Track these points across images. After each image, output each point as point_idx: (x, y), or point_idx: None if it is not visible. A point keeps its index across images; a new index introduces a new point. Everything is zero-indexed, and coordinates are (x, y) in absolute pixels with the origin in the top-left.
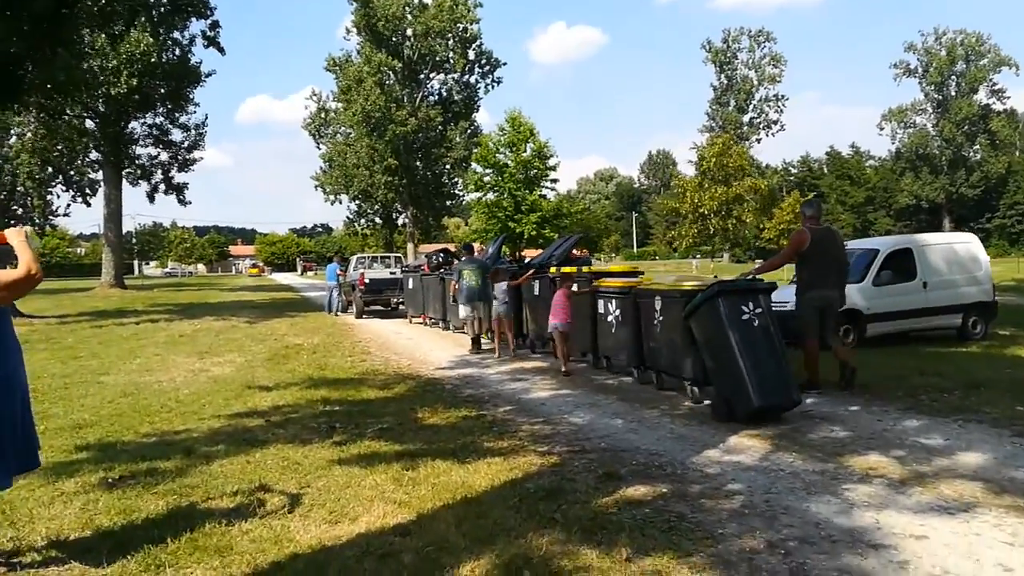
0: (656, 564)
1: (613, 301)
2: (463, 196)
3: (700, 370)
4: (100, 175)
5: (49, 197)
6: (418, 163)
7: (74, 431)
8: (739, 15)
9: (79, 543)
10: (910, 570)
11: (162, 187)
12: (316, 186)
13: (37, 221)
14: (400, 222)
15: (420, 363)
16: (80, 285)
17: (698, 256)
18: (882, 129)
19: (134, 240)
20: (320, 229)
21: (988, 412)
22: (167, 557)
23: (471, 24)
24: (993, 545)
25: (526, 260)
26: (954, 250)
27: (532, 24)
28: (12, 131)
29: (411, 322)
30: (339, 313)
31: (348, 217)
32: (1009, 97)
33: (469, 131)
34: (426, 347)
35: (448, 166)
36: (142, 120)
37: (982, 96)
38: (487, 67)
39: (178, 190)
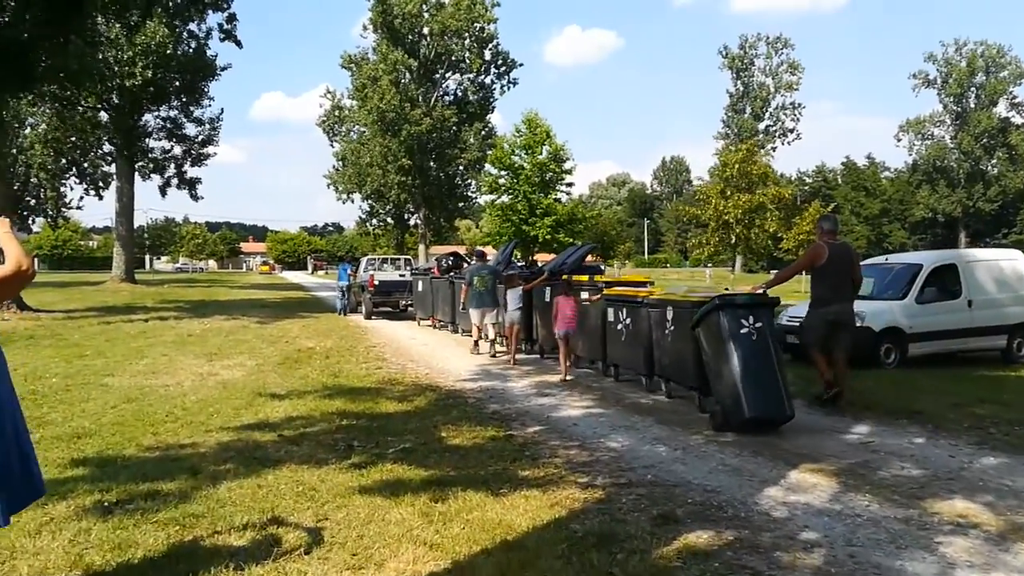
0: None
1: (624, 310)
2: (476, 198)
3: (704, 380)
4: (113, 168)
5: (62, 189)
6: (431, 163)
7: (72, 441)
8: (756, 21)
9: None
10: None
11: (175, 181)
12: (328, 184)
13: (50, 213)
14: (412, 223)
15: (439, 372)
16: (91, 279)
17: (710, 265)
18: (899, 140)
19: (146, 235)
20: (331, 228)
21: None
22: None
23: (488, 24)
24: None
25: (539, 265)
26: (1000, 267)
27: (546, 27)
28: (27, 122)
29: (420, 324)
30: (348, 313)
31: (360, 217)
32: None
33: (484, 132)
34: (443, 354)
35: (462, 167)
36: (156, 113)
37: (1001, 109)
38: (503, 68)
39: (191, 185)
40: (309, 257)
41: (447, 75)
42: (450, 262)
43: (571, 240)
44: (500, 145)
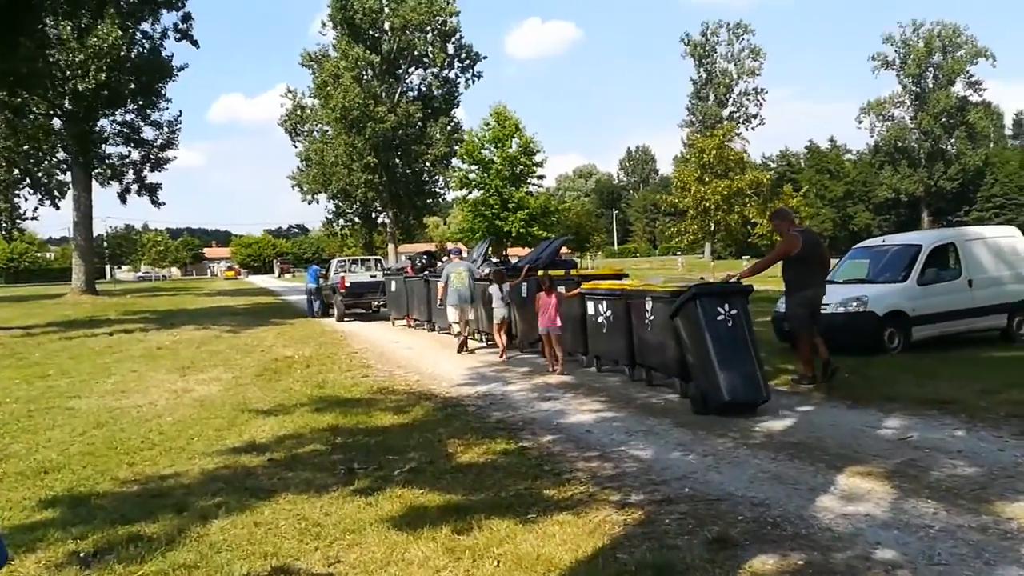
0: None
1: (604, 303)
2: (445, 194)
3: (685, 367)
4: (68, 177)
5: (16, 200)
6: (398, 160)
7: (38, 478)
8: (713, 9)
9: None
10: None
11: (134, 188)
12: (293, 185)
13: (4, 225)
14: (380, 221)
15: (430, 378)
16: (50, 291)
17: (679, 253)
18: (860, 122)
19: (105, 244)
20: (296, 230)
21: None
22: None
23: (450, 17)
24: None
25: (513, 261)
26: (999, 245)
27: (507, 19)
28: None
29: (394, 324)
30: (320, 316)
31: (326, 217)
32: (986, 89)
33: (450, 127)
34: (430, 358)
35: (429, 163)
36: (111, 117)
37: (959, 88)
38: (467, 61)
39: (151, 191)
40: (275, 260)
41: (410, 70)
42: (424, 261)
43: (545, 234)
44: (470, 139)
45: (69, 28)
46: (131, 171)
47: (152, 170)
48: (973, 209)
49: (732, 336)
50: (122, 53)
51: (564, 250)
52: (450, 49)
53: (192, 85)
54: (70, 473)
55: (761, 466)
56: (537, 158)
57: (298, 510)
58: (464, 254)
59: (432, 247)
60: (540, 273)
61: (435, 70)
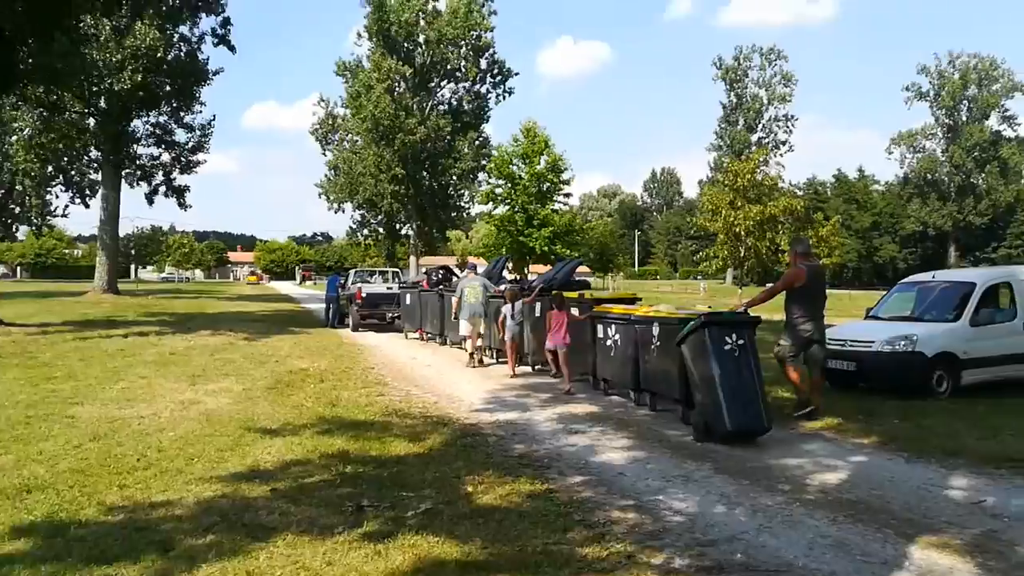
0: None
1: (613, 326)
2: (469, 208)
3: (688, 393)
4: (99, 176)
5: (48, 197)
6: (425, 173)
7: (19, 498)
8: (744, 35)
9: None
10: None
11: (163, 189)
12: (320, 193)
13: (35, 221)
14: (404, 233)
15: (448, 400)
16: (73, 289)
17: (700, 277)
18: (890, 153)
19: (131, 244)
20: (320, 238)
21: None
22: None
23: (485, 32)
24: None
25: (530, 280)
26: None
27: (539, 38)
28: (14, 127)
29: (407, 337)
30: (336, 326)
31: (351, 227)
32: (1020, 124)
33: (478, 142)
34: (448, 378)
35: (455, 177)
36: (145, 119)
37: (993, 122)
38: (499, 77)
39: (179, 193)
40: (298, 267)
41: (442, 84)
42: (439, 275)
43: (569, 252)
44: (500, 154)
45: (108, 28)
46: (160, 172)
47: (182, 172)
48: (1002, 246)
49: (738, 366)
50: (159, 55)
51: (583, 269)
52: (483, 64)
53: (228, 91)
54: (54, 494)
55: (820, 529)
56: (565, 176)
57: (298, 556)
58: (479, 270)
59: (454, 261)
60: (553, 292)
61: (467, 84)
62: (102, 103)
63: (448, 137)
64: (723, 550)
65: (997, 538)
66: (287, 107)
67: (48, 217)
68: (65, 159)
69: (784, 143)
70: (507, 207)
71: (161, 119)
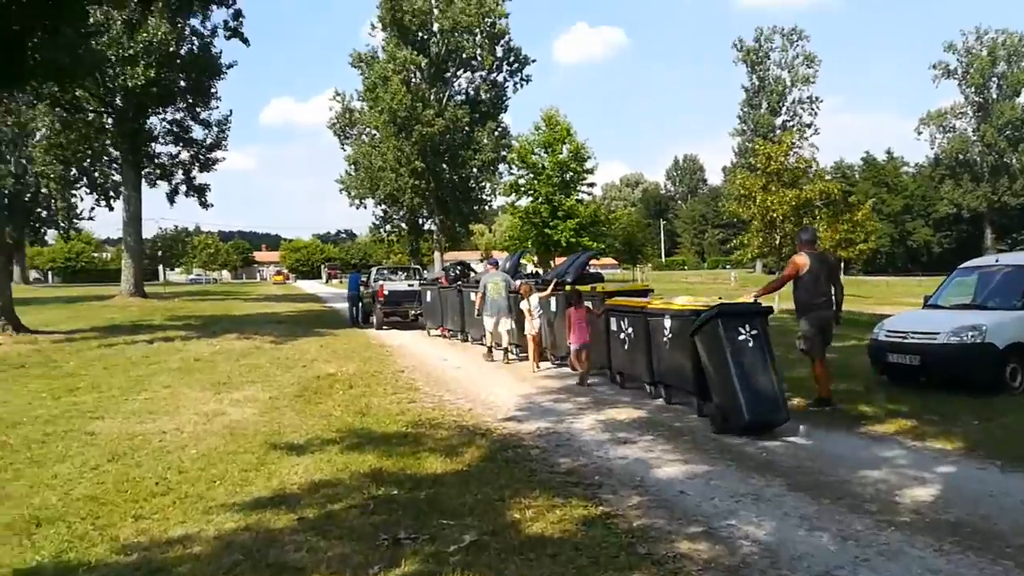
0: None
1: (626, 319)
2: (491, 201)
3: (703, 385)
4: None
5: (73, 200)
6: (445, 166)
7: (27, 533)
8: (762, 16)
9: None
10: None
11: (183, 188)
12: (341, 189)
13: (62, 224)
14: (427, 228)
15: (483, 406)
16: (101, 292)
17: (729, 266)
18: (920, 134)
19: (159, 245)
20: (344, 235)
21: None
22: None
23: (499, 19)
24: None
25: (542, 274)
26: None
27: (555, 24)
28: (32, 126)
29: (429, 334)
30: (362, 324)
31: (373, 223)
32: None
33: (497, 132)
34: (482, 382)
35: (476, 169)
36: (161, 116)
37: None
38: (516, 64)
39: (199, 191)
40: (324, 266)
41: (458, 73)
42: (458, 271)
43: (595, 244)
44: (522, 143)
45: (119, 24)
46: (180, 171)
47: (201, 170)
48: None
49: (753, 356)
50: (171, 49)
51: (609, 261)
52: (499, 52)
53: (244, 88)
54: (65, 528)
55: (926, 562)
56: (588, 164)
57: None
58: (500, 265)
59: (478, 255)
60: (568, 288)
61: (483, 73)
62: (118, 101)
63: (467, 128)
64: None
65: None
66: (304, 103)
67: (74, 220)
68: (88, 160)
69: (809, 126)
70: (531, 198)
71: (178, 116)
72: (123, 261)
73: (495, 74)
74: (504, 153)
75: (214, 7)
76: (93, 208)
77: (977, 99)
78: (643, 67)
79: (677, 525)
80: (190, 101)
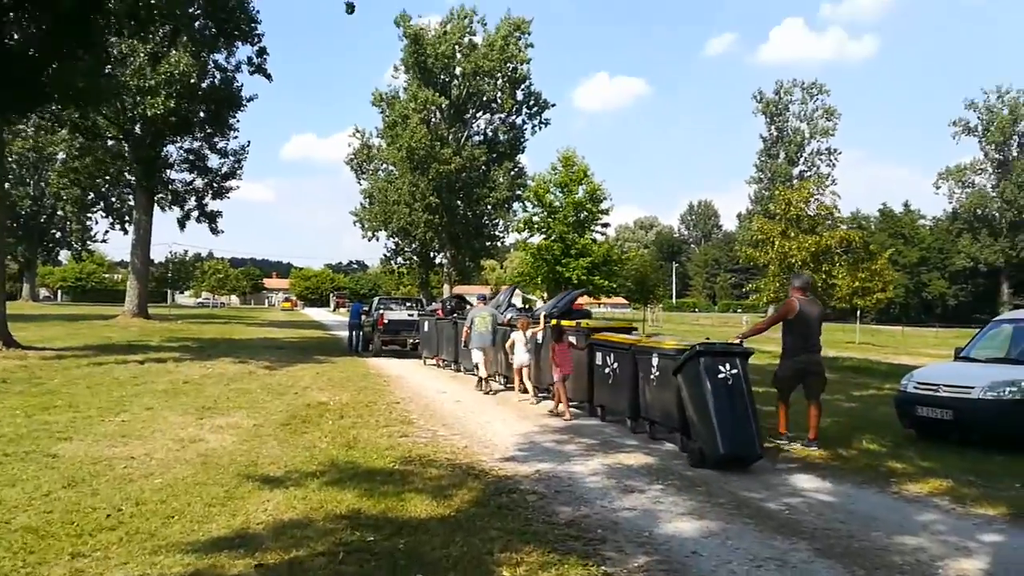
0: None
1: (612, 355)
2: (504, 238)
3: (686, 421)
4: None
5: (88, 223)
6: (459, 202)
7: None
8: (783, 71)
9: None
10: None
11: (195, 214)
12: (355, 221)
13: (75, 246)
14: (438, 261)
15: (479, 444)
16: (106, 312)
17: (740, 310)
18: (938, 188)
19: (170, 268)
20: (355, 265)
21: None
22: None
23: (521, 64)
24: None
25: (535, 310)
26: None
27: (576, 73)
28: (48, 151)
29: (425, 363)
30: (359, 349)
31: (385, 254)
32: None
33: (513, 172)
34: (479, 417)
35: (490, 207)
36: (179, 144)
37: None
38: (535, 108)
39: (211, 218)
40: (332, 294)
41: (478, 115)
42: (453, 304)
43: (607, 283)
44: (538, 182)
45: (143, 56)
46: (193, 198)
47: (214, 198)
48: None
49: (731, 393)
50: (192, 81)
51: (619, 300)
52: (519, 95)
53: (268, 123)
54: None
55: None
56: (603, 205)
57: None
58: (490, 300)
59: (488, 290)
60: (553, 322)
61: (502, 115)
62: (136, 129)
63: (483, 167)
64: None
65: None
66: (324, 139)
67: (88, 242)
68: (106, 186)
69: (827, 176)
70: (544, 236)
71: (195, 145)
72: (128, 282)
73: (514, 116)
74: (519, 192)
75: (239, 44)
76: (107, 231)
77: (997, 156)
78: (662, 116)
79: None
80: (208, 131)
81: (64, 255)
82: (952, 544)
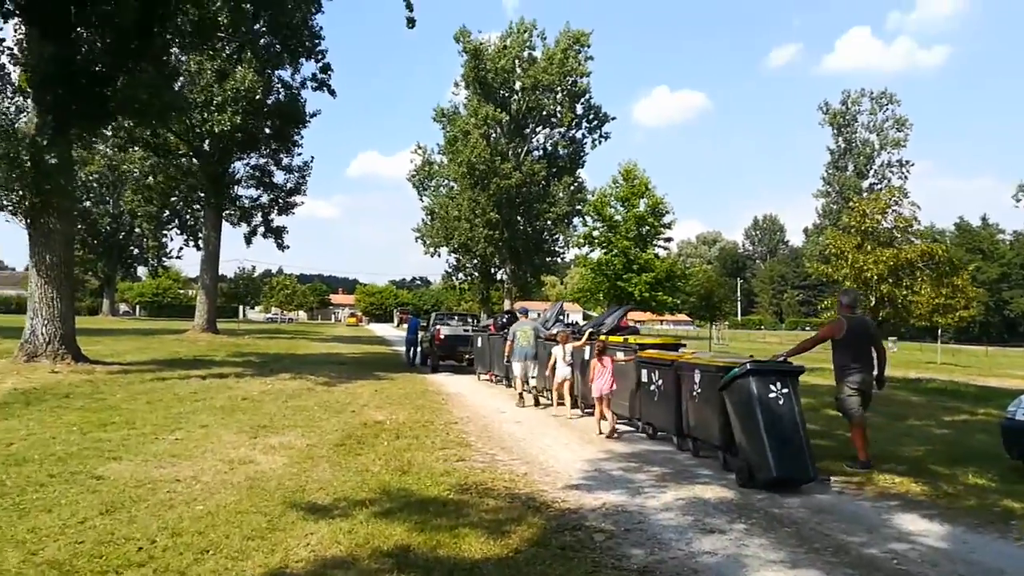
0: None
1: (657, 371)
2: (564, 253)
3: (730, 439)
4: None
5: (164, 240)
6: (519, 218)
7: None
8: (849, 81)
9: None
10: None
11: (261, 230)
12: (417, 238)
13: (151, 262)
14: (498, 277)
15: (540, 471)
16: (177, 327)
17: (808, 327)
18: (1018, 201)
19: (240, 284)
20: (418, 281)
21: None
22: None
23: (581, 77)
24: None
25: (577, 325)
26: None
27: (635, 88)
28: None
29: (479, 379)
30: (416, 363)
31: (446, 271)
32: None
33: (573, 187)
34: (541, 440)
35: (550, 222)
36: (245, 161)
37: None
38: (595, 121)
39: (277, 233)
40: (396, 310)
41: (537, 129)
42: (504, 319)
43: (670, 299)
44: (599, 196)
45: (210, 73)
46: (259, 213)
47: (280, 213)
48: None
49: (782, 414)
50: (257, 97)
51: (682, 317)
52: (579, 109)
53: (334, 141)
54: None
55: None
56: (666, 219)
57: None
58: (531, 315)
59: (547, 306)
60: (601, 338)
61: (562, 130)
62: (205, 146)
63: (543, 182)
64: None
65: None
66: (388, 157)
67: (163, 258)
68: (180, 204)
69: (899, 189)
70: (604, 251)
71: (260, 161)
72: (198, 297)
73: (574, 131)
74: (579, 207)
75: (303, 60)
76: (181, 248)
77: None
78: (723, 129)
79: None
80: (273, 147)
81: (142, 271)
82: None
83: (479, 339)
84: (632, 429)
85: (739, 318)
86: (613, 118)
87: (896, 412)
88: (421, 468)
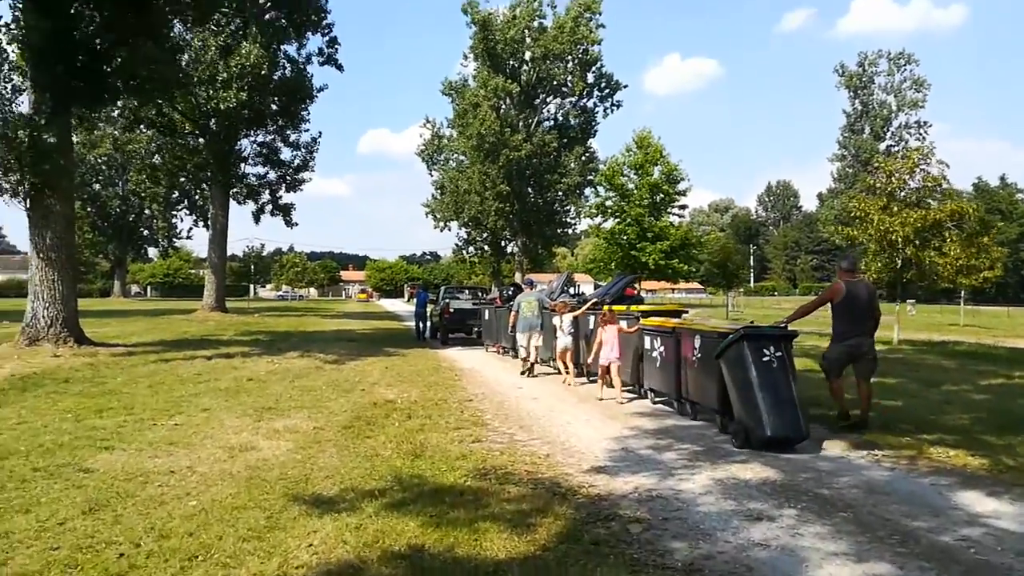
0: None
1: (658, 338)
2: (575, 224)
3: (727, 403)
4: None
5: (174, 220)
6: (530, 189)
7: None
8: (862, 43)
9: None
10: None
11: (269, 207)
12: (427, 212)
13: (162, 243)
14: (509, 250)
15: (563, 451)
16: (187, 307)
17: (821, 292)
18: None
19: (249, 262)
20: (429, 256)
21: None
22: None
23: (592, 45)
24: None
25: (584, 295)
26: None
27: (646, 56)
28: (129, 148)
29: (487, 351)
30: (426, 337)
31: (457, 244)
32: None
33: (584, 157)
34: (561, 416)
35: (561, 193)
36: (252, 138)
37: None
38: (607, 90)
39: (285, 211)
40: (406, 285)
41: (548, 99)
42: (511, 292)
43: (685, 267)
44: (611, 164)
45: (214, 49)
46: (267, 191)
47: (287, 190)
48: None
49: (775, 376)
50: (263, 73)
51: (695, 285)
52: (590, 78)
53: (343, 119)
54: None
55: None
56: (680, 186)
57: None
58: (537, 286)
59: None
60: (605, 308)
61: (573, 99)
62: (211, 124)
63: (554, 152)
64: None
65: None
66: (398, 134)
67: (173, 239)
68: (188, 184)
69: (927, 148)
70: (617, 220)
71: (267, 138)
72: (206, 277)
73: (585, 100)
74: (591, 177)
75: (309, 35)
76: (191, 228)
77: None
78: (735, 96)
79: None
80: (280, 124)
81: (152, 252)
82: None
83: (486, 312)
84: (634, 395)
85: (752, 285)
86: (625, 86)
87: (928, 378)
88: (435, 451)
